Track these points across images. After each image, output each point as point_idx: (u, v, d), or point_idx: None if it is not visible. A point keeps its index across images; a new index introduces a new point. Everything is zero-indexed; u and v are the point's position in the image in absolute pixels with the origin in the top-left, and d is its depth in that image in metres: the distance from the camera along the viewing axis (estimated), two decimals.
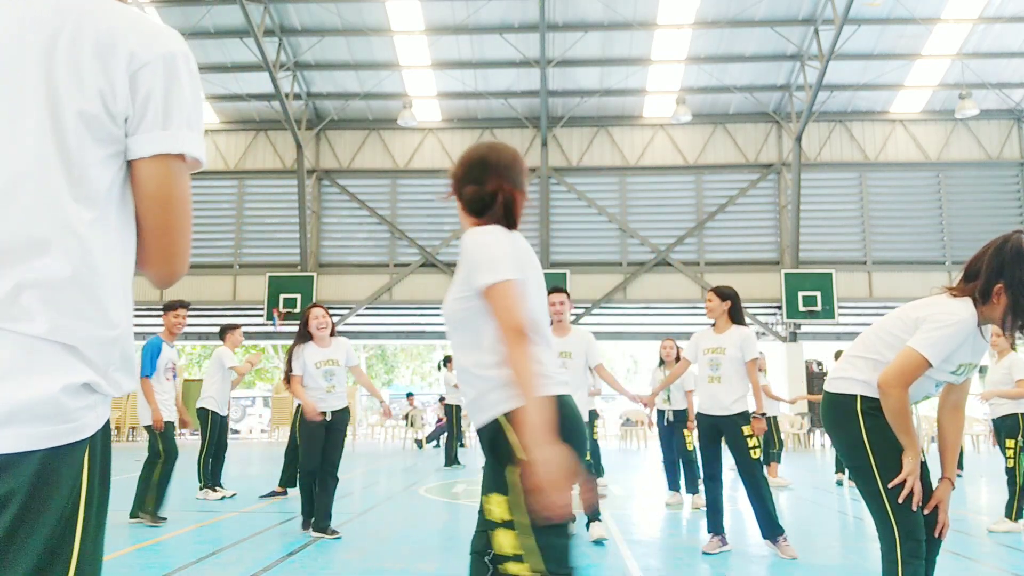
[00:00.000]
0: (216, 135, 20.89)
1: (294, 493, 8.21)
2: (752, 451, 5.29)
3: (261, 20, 17.03)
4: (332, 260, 20.38)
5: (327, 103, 20.28)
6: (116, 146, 1.12)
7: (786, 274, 18.86)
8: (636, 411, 19.21)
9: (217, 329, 8.92)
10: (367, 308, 20.02)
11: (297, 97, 19.59)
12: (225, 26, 17.81)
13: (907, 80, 19.11)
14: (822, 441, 19.20)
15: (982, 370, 7.50)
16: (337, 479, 5.97)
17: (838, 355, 10.82)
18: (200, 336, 22.36)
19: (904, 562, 2.57)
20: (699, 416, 5.57)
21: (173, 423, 6.73)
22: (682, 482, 8.20)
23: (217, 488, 8.25)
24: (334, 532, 5.81)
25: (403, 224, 20.01)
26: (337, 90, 19.93)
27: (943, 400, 2.85)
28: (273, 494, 8.31)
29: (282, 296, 19.16)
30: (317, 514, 5.88)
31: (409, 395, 21.18)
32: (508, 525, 1.91)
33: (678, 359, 7.72)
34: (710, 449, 5.46)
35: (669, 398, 8.33)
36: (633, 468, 12.71)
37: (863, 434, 2.66)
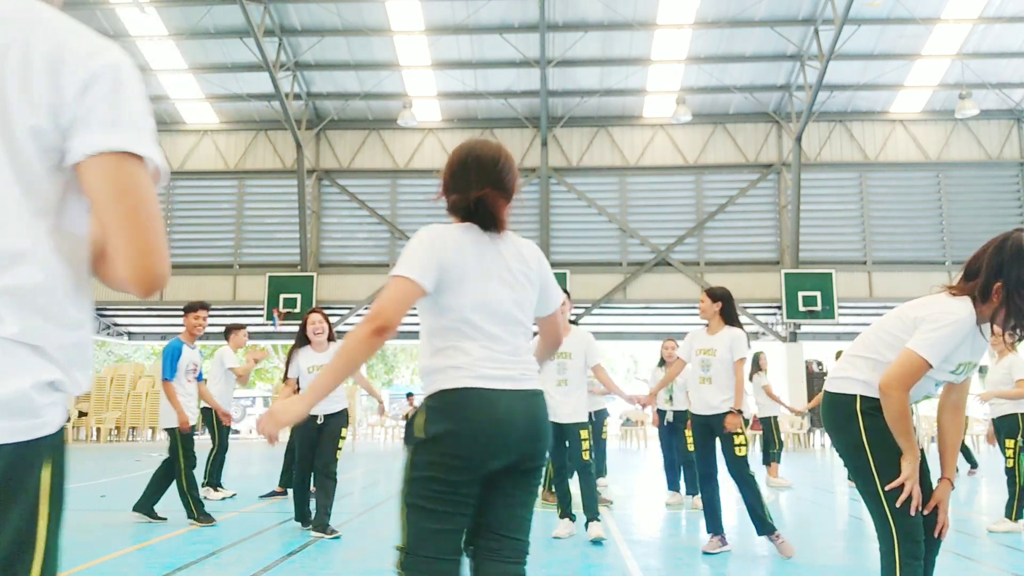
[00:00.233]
0: (216, 135, 20.89)
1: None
2: (738, 448, 5.28)
3: (261, 20, 17.03)
4: (332, 260, 20.38)
5: (327, 103, 20.28)
6: (63, 156, 1.14)
7: (786, 274, 18.86)
8: (636, 411, 19.21)
9: (217, 329, 8.92)
10: (367, 308, 20.02)
11: (297, 97, 19.60)
12: (225, 26, 17.81)
13: (907, 80, 19.11)
14: (822, 441, 19.20)
15: (982, 370, 7.49)
16: (334, 479, 5.98)
17: (839, 355, 10.84)
18: (200, 336, 22.37)
19: (902, 562, 2.57)
20: (692, 416, 5.58)
21: (195, 427, 6.63)
22: (682, 482, 8.19)
23: (218, 488, 8.25)
24: (333, 532, 5.82)
25: (403, 224, 20.01)
26: (337, 90, 19.93)
27: (943, 400, 2.84)
28: (273, 494, 8.31)
29: (282, 296, 19.16)
30: (317, 514, 5.91)
31: (409, 395, 21.18)
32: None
33: None
34: (704, 449, 5.47)
35: (671, 398, 8.32)
36: (633, 468, 12.71)
37: (862, 434, 2.66)
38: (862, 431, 2.67)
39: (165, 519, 6.53)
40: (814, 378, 19.33)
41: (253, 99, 19.87)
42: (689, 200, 20.15)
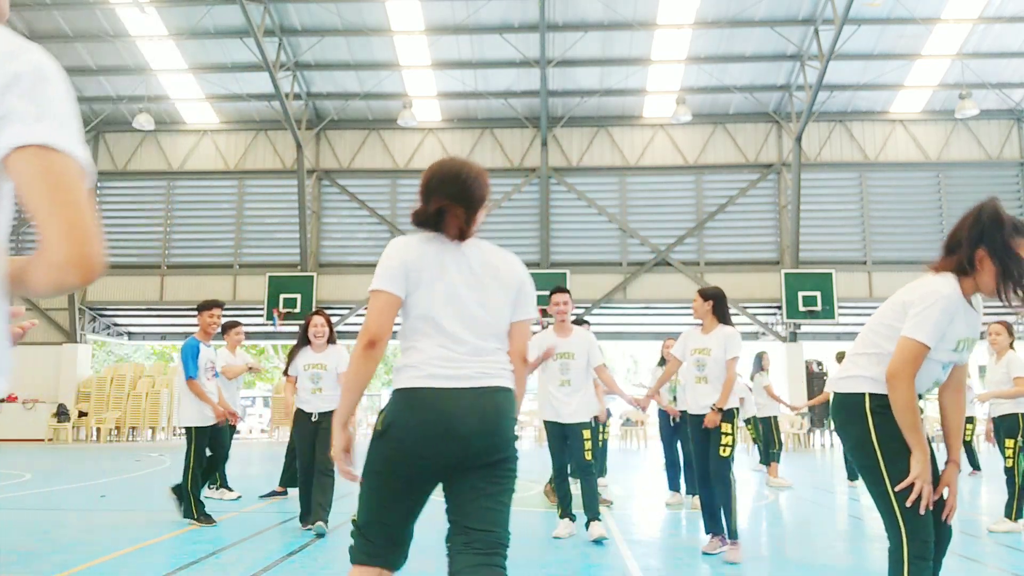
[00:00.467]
0: (216, 135, 20.89)
1: (294, 493, 8.21)
2: (722, 448, 5.27)
3: (261, 20, 17.03)
4: (332, 260, 20.38)
5: (327, 103, 20.28)
6: None
7: (786, 274, 18.86)
8: (636, 411, 19.21)
9: (221, 330, 8.89)
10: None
11: (297, 97, 19.60)
12: (225, 26, 17.81)
13: (907, 80, 19.11)
14: (822, 441, 19.21)
15: (981, 370, 7.49)
16: (332, 477, 6.05)
17: (840, 356, 10.86)
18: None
19: (910, 562, 2.56)
20: (689, 416, 5.57)
21: (208, 428, 6.57)
22: (682, 482, 8.19)
23: (231, 488, 8.25)
24: (321, 529, 5.84)
25: (403, 224, 20.00)
26: (337, 90, 19.93)
27: (944, 381, 2.84)
28: (273, 494, 8.31)
29: (282, 296, 19.16)
30: (313, 509, 6.01)
31: None
32: None
33: None
34: (701, 449, 5.46)
35: (675, 399, 8.31)
36: (633, 468, 12.72)
37: (872, 433, 2.65)
38: (872, 430, 2.66)
39: (215, 523, 6.54)
40: (814, 378, 19.33)
41: (253, 99, 19.87)
42: (689, 200, 20.15)
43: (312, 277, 19.43)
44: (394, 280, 2.26)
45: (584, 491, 5.80)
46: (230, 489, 8.24)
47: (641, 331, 21.32)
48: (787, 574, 4.79)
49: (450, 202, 2.32)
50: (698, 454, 5.50)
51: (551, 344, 5.85)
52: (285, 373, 6.52)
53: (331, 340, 6.38)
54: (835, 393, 2.83)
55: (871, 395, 2.69)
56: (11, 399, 19.36)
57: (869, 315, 2.90)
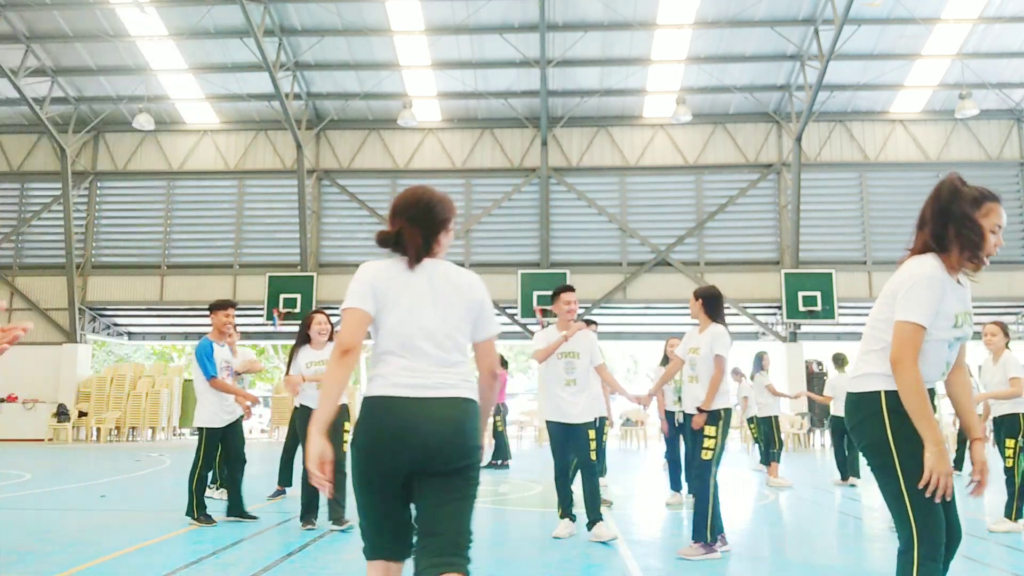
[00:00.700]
0: (216, 135, 20.89)
1: (292, 493, 8.21)
2: (704, 451, 5.24)
3: (261, 20, 17.02)
4: (332, 260, 20.38)
5: (327, 103, 20.28)
6: None
7: (786, 274, 18.86)
8: (636, 411, 19.21)
9: None
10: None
11: (297, 97, 19.59)
12: (225, 26, 17.81)
13: (907, 80, 19.11)
14: (822, 441, 19.20)
15: (979, 371, 7.48)
16: (344, 473, 6.07)
17: (837, 358, 10.87)
18: (200, 336, 22.35)
19: (920, 563, 2.54)
20: (685, 416, 5.57)
21: (220, 429, 6.54)
22: (683, 482, 8.18)
23: (225, 489, 8.24)
24: (346, 522, 6.02)
25: None
26: (337, 90, 19.93)
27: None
28: (277, 494, 8.32)
29: (282, 296, 19.16)
30: (330, 506, 6.17)
31: None
32: None
33: None
34: (691, 449, 5.44)
35: (680, 399, 8.31)
36: (633, 468, 12.72)
37: (888, 432, 2.63)
38: (888, 429, 2.64)
39: (257, 518, 6.57)
40: (814, 378, 19.34)
41: (253, 99, 19.86)
42: (689, 200, 20.15)
43: (312, 277, 19.43)
44: (363, 298, 2.46)
45: (587, 491, 5.79)
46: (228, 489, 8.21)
47: (641, 331, 21.32)
48: (787, 574, 4.79)
49: (408, 224, 2.52)
50: (689, 454, 5.49)
51: (574, 328, 5.88)
52: (287, 372, 6.57)
53: (330, 338, 6.48)
54: (850, 393, 2.82)
55: (886, 393, 2.67)
56: (11, 399, 19.36)
57: (869, 315, 2.90)
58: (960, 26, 17.38)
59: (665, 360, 8.80)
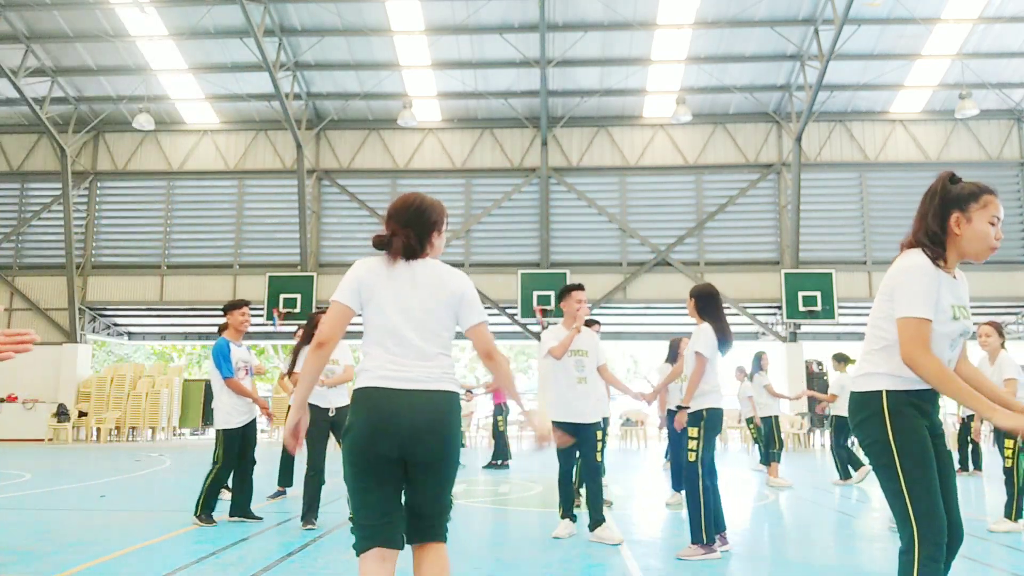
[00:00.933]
0: (216, 135, 20.89)
1: (292, 492, 8.21)
2: (689, 453, 5.23)
3: (261, 20, 17.02)
4: (332, 260, 20.38)
5: (327, 103, 20.28)
6: None
7: (786, 274, 18.86)
8: (636, 411, 19.20)
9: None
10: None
11: (297, 97, 19.60)
12: (225, 26, 17.81)
13: (907, 80, 19.11)
14: (822, 441, 19.20)
15: None
16: (322, 475, 6.20)
17: (836, 357, 10.87)
18: (200, 336, 22.38)
19: (921, 563, 2.53)
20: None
21: (241, 428, 6.50)
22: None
23: (225, 489, 8.24)
24: (312, 525, 6.10)
25: None
26: (337, 90, 19.93)
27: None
28: (277, 494, 8.32)
29: (282, 296, 19.17)
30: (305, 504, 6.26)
31: None
32: None
33: None
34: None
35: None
36: (633, 468, 12.71)
37: (889, 432, 2.63)
38: (889, 429, 2.64)
39: (261, 518, 6.57)
40: (814, 378, 19.33)
41: (253, 99, 19.87)
42: (689, 200, 20.16)
43: (312, 277, 19.44)
44: (350, 294, 2.69)
45: (591, 492, 5.78)
46: (230, 489, 8.22)
47: (641, 331, 21.33)
48: (787, 574, 4.79)
49: (399, 227, 2.76)
50: (678, 454, 5.49)
51: (580, 319, 5.90)
52: (290, 372, 6.56)
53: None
54: (853, 392, 2.83)
55: (888, 392, 2.67)
56: (11, 399, 19.36)
57: (869, 315, 2.90)
58: (960, 26, 17.39)
59: (672, 358, 8.79)
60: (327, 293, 19.66)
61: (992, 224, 2.70)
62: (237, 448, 6.50)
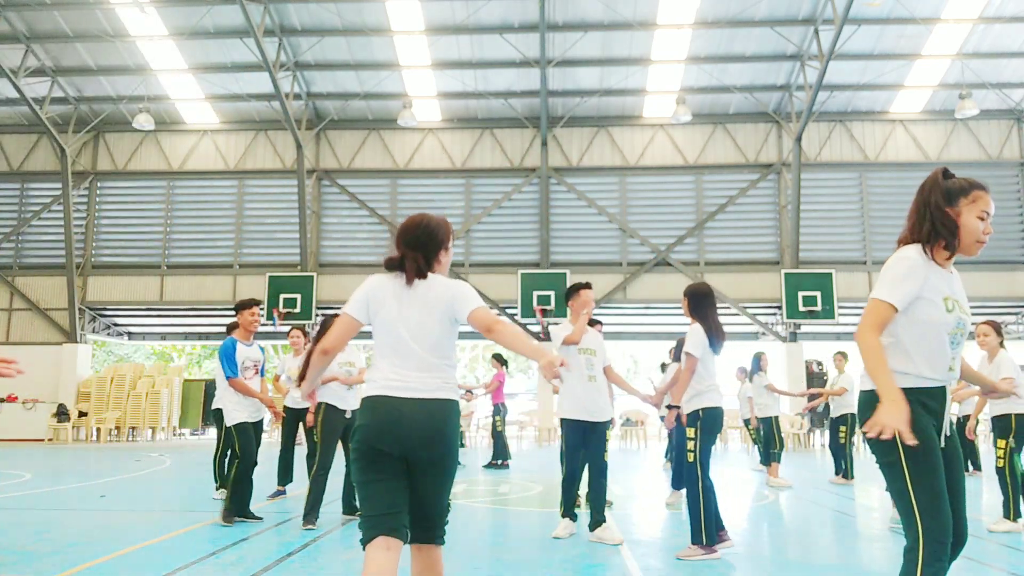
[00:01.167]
0: (216, 135, 20.90)
1: (293, 492, 8.21)
2: (688, 453, 5.22)
3: (261, 20, 17.03)
4: (332, 260, 20.38)
5: (327, 103, 20.28)
6: None
7: (786, 274, 18.87)
8: (636, 411, 19.20)
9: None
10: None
11: (297, 97, 19.60)
12: (225, 26, 17.81)
13: (907, 80, 19.11)
14: (822, 441, 19.20)
15: None
16: (326, 473, 6.29)
17: (836, 356, 10.87)
18: (200, 336, 22.38)
19: (925, 562, 2.53)
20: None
21: (250, 423, 6.51)
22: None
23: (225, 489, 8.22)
24: (312, 526, 6.11)
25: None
26: (337, 90, 19.93)
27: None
28: (277, 494, 8.32)
29: (282, 296, 19.17)
30: (347, 497, 6.61)
31: None
32: None
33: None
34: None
35: None
36: (633, 468, 12.71)
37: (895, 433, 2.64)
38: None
39: (261, 518, 6.56)
40: (814, 378, 19.33)
41: (253, 99, 19.87)
42: (689, 200, 20.16)
43: (312, 277, 19.44)
44: (359, 308, 2.92)
45: (596, 492, 5.77)
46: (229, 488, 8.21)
47: (641, 331, 21.33)
48: (787, 574, 4.79)
49: (408, 249, 2.94)
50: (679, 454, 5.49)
51: (586, 314, 5.90)
52: (301, 378, 6.61)
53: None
54: (862, 391, 2.84)
55: None
56: (11, 399, 19.36)
57: None
58: (960, 26, 17.39)
59: (679, 356, 8.79)
60: (327, 293, 19.69)
61: (981, 219, 2.74)
62: (255, 441, 6.49)
